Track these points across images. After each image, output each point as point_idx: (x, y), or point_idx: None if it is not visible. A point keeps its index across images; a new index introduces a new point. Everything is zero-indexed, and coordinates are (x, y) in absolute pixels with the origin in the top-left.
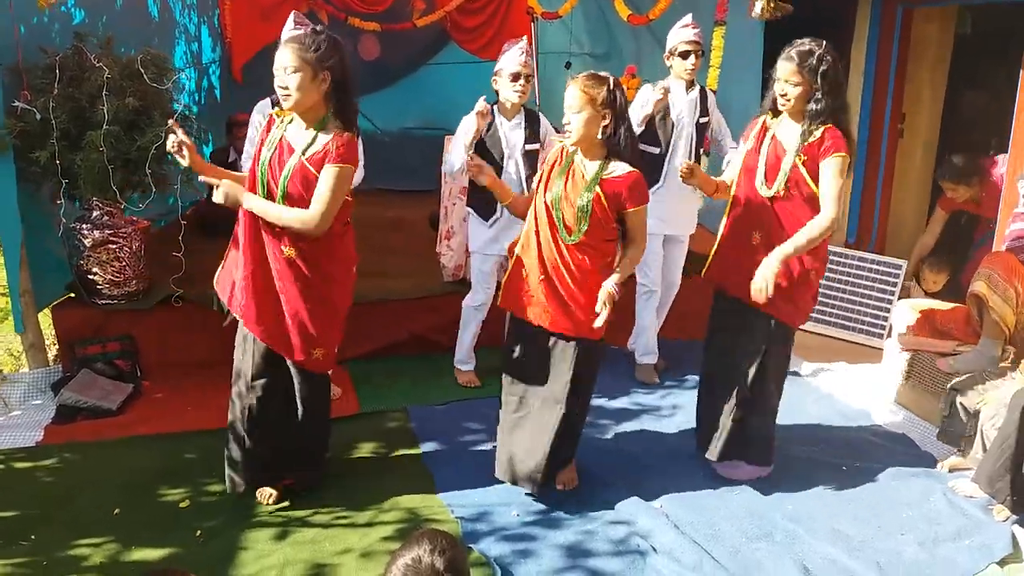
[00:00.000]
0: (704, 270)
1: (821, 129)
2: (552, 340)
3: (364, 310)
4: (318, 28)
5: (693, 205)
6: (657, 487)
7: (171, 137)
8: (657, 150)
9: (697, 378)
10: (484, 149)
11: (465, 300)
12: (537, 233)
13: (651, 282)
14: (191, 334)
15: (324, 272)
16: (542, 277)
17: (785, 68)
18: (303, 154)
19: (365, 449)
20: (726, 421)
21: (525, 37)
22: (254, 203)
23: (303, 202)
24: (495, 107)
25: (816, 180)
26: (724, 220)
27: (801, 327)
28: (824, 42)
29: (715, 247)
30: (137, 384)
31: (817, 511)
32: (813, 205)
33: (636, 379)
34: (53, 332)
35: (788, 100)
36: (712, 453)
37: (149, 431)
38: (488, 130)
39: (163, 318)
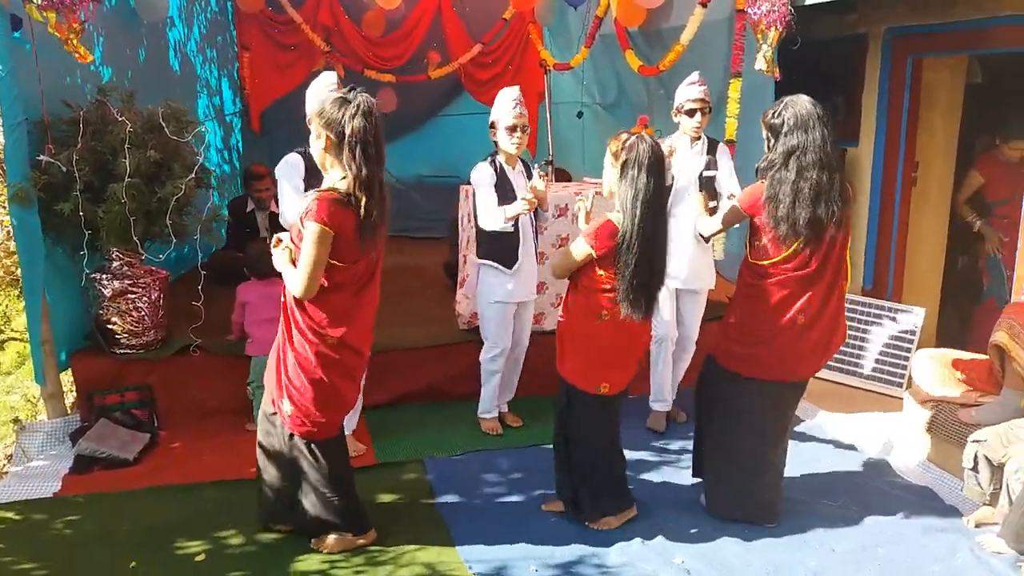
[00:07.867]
0: (731, 365)
1: None
2: None
3: (379, 359)
4: (344, 91)
5: (708, 257)
6: (672, 539)
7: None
8: None
9: None
10: (502, 194)
11: (481, 355)
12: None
13: (660, 334)
14: (208, 383)
15: (299, 324)
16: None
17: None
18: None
19: (382, 501)
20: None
21: (517, 87)
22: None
23: None
24: (496, 156)
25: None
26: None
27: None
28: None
29: (743, 342)
30: (154, 433)
31: (841, 567)
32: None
33: (646, 427)
34: (71, 379)
35: None
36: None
37: (166, 481)
38: (501, 177)
39: (180, 367)
